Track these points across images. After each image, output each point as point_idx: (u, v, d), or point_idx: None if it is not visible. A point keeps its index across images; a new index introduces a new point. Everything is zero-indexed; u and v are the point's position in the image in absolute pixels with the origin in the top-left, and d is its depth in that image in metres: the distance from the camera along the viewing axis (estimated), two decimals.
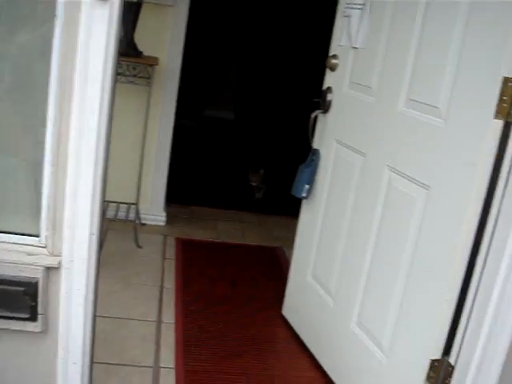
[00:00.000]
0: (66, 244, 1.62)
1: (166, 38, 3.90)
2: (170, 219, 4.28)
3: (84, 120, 1.51)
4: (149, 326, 2.94)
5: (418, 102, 2.19)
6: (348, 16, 2.68)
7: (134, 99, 3.85)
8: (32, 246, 1.64)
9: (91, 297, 1.68)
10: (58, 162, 1.56)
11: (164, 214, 4.23)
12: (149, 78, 3.74)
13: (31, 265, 1.61)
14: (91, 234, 1.62)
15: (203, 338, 2.91)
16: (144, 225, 4.14)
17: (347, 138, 2.66)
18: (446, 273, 2.02)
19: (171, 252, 3.81)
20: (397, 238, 2.27)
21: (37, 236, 1.65)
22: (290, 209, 4.57)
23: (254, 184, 5.02)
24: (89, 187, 1.56)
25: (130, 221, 3.95)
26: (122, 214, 3.98)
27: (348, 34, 2.67)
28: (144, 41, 3.68)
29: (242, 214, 4.70)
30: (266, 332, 3.07)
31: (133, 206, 3.99)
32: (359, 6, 2.60)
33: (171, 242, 3.97)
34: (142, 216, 4.10)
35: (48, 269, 1.62)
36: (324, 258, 2.81)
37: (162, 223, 4.22)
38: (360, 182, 2.54)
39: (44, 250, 1.64)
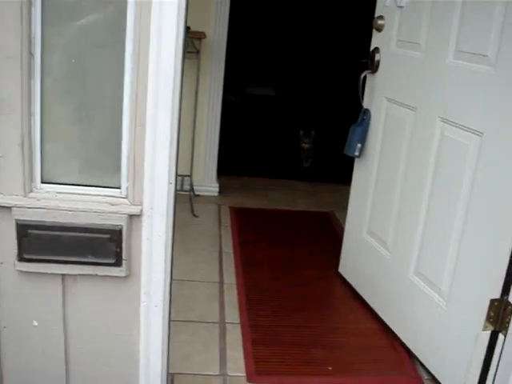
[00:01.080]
0: (146, 193, 1.75)
1: (212, 12, 4.01)
2: (223, 190, 4.42)
3: (160, 72, 1.63)
4: (212, 286, 3.08)
5: (466, 52, 2.26)
6: None
7: (184, 73, 3.96)
8: (115, 196, 1.77)
9: (170, 243, 1.81)
10: (136, 119, 1.69)
11: (217, 184, 4.37)
12: (197, 53, 3.87)
13: (115, 213, 1.74)
14: (169, 183, 1.74)
15: (264, 296, 3.04)
16: (198, 195, 4.28)
17: (397, 95, 2.74)
18: (502, 213, 2.09)
19: (226, 220, 3.96)
20: (452, 185, 2.35)
21: (118, 188, 1.78)
22: (339, 176, 4.68)
23: (305, 146, 5.12)
24: (166, 138, 1.69)
25: (185, 192, 4.09)
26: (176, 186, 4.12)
27: None
28: (190, 16, 3.78)
29: (292, 183, 4.82)
30: (325, 289, 3.18)
31: (187, 178, 4.14)
32: None
33: (225, 210, 4.12)
34: (195, 187, 4.25)
35: (130, 216, 1.76)
36: (379, 214, 2.90)
37: (215, 193, 4.36)
38: (412, 135, 2.62)
39: (125, 200, 1.77)
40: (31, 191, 1.76)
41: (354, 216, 3.15)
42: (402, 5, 2.69)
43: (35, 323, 1.86)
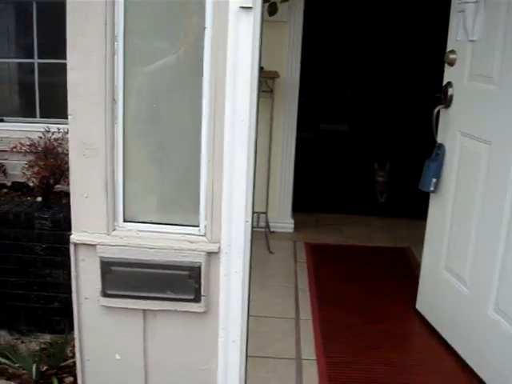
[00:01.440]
0: (223, 231, 1.80)
1: (284, 52, 4.10)
2: (298, 226, 4.45)
3: (236, 116, 1.70)
4: (288, 322, 3.10)
5: None
6: (463, 11, 2.75)
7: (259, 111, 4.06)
8: (193, 234, 1.83)
9: (247, 279, 1.85)
10: (214, 158, 1.75)
11: (292, 221, 4.41)
12: (271, 92, 3.95)
13: (194, 251, 1.80)
14: (246, 221, 1.80)
15: (340, 332, 3.03)
16: (273, 232, 4.32)
17: (471, 129, 2.72)
18: None
19: (301, 256, 3.98)
20: None
21: (197, 226, 1.84)
22: (414, 211, 4.64)
23: (380, 179, 5.12)
24: (242, 176, 1.74)
25: (261, 228, 4.14)
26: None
27: (464, 28, 2.74)
28: (263, 56, 3.88)
29: (366, 218, 4.81)
30: (401, 326, 3.14)
31: (262, 215, 4.20)
32: (474, 0, 2.67)
33: (300, 246, 4.14)
34: (271, 224, 4.29)
35: (209, 254, 1.81)
36: (456, 249, 2.87)
37: (290, 230, 4.40)
38: (487, 170, 2.59)
39: (204, 238, 1.83)
40: (114, 229, 1.84)
41: (430, 252, 3.12)
42: (473, 39, 2.69)
43: (117, 357, 1.93)
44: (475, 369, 2.67)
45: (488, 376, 2.59)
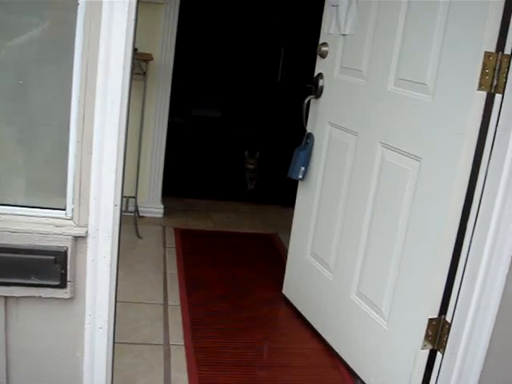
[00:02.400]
0: (91, 215, 1.75)
1: (159, 35, 4.03)
2: (167, 211, 4.42)
3: (107, 95, 1.65)
4: (156, 308, 3.07)
5: (406, 80, 2.34)
6: (336, 5, 2.82)
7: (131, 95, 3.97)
8: (60, 218, 1.77)
9: (115, 264, 1.81)
10: (83, 139, 1.69)
11: (161, 206, 4.37)
12: (144, 75, 3.87)
13: (60, 235, 1.73)
14: (115, 205, 1.75)
15: (208, 317, 3.04)
16: (143, 217, 4.27)
17: (339, 120, 2.80)
18: (440, 236, 2.17)
19: (171, 241, 3.96)
20: (392, 209, 2.41)
21: (64, 209, 1.77)
22: (283, 198, 4.74)
23: (250, 167, 5.20)
24: (112, 161, 1.69)
25: (130, 213, 4.07)
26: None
27: (337, 22, 2.82)
28: (137, 37, 3.79)
29: (236, 205, 4.86)
30: (268, 310, 3.21)
31: (132, 200, 4.12)
32: None
33: (170, 232, 4.12)
34: (140, 209, 4.24)
35: (76, 238, 1.75)
36: (322, 236, 2.95)
37: (160, 215, 4.37)
38: (354, 159, 2.68)
39: (71, 222, 1.76)
40: None
41: (297, 238, 3.20)
42: (345, 33, 2.77)
43: None
44: (338, 351, 2.78)
45: (350, 357, 2.70)
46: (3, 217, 1.74)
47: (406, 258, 2.33)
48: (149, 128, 4.15)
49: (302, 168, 3.02)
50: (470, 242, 2.10)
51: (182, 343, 2.78)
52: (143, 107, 3.95)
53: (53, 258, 1.74)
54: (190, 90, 7.05)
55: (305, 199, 3.10)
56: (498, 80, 1.98)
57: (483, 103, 2.03)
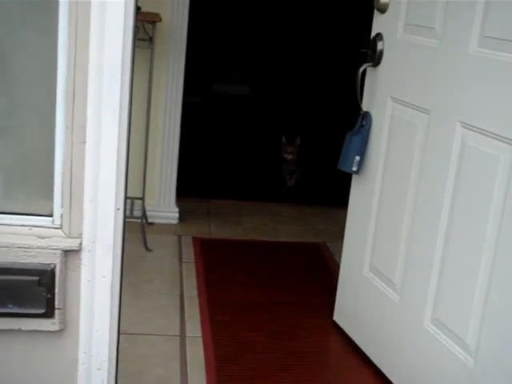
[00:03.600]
0: (86, 222, 1.73)
1: None
2: (184, 216, 4.42)
3: (103, 68, 1.63)
4: (171, 341, 3.06)
5: (495, 38, 2.28)
6: None
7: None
8: (45, 227, 1.75)
9: (118, 285, 1.79)
10: (74, 125, 1.68)
11: (176, 209, 4.36)
12: (150, 41, 3.86)
13: (45, 248, 1.72)
14: (117, 209, 1.74)
15: (240, 353, 3.02)
16: (152, 224, 4.27)
17: (405, 94, 2.75)
18: None
19: (189, 254, 3.95)
20: (477, 211, 2.36)
21: (50, 216, 1.76)
22: (331, 197, 4.70)
23: (289, 157, 5.16)
24: (112, 152, 1.68)
25: (136, 219, 4.07)
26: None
27: None
28: None
29: (272, 206, 4.84)
30: (316, 342, 3.17)
31: (137, 202, 4.12)
32: None
33: (188, 242, 4.11)
34: (149, 213, 4.23)
35: (66, 252, 1.74)
36: (384, 246, 2.91)
37: (175, 221, 4.36)
38: (424, 145, 2.63)
39: (59, 231, 1.75)
40: None
41: (351, 249, 3.16)
42: None
43: None
44: None
45: None
46: None
47: (497, 278, 2.26)
48: (158, 110, 4.13)
49: (357, 158, 2.98)
50: None
51: None
52: (150, 83, 3.94)
53: (36, 278, 1.73)
54: (210, 61, 7.05)
55: (361, 198, 3.06)
56: None
57: None
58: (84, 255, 1.76)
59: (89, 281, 1.78)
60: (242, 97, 7.26)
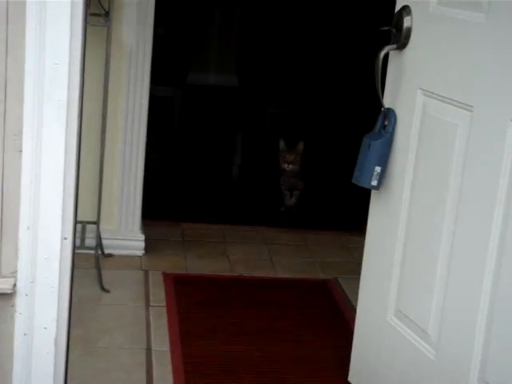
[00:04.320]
0: (23, 257, 1.71)
1: None
2: (152, 245, 4.43)
3: (44, 51, 1.61)
4: None
5: None
6: None
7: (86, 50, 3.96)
8: None
9: (65, 339, 1.78)
10: (6, 126, 1.66)
11: (141, 236, 4.37)
12: (106, 16, 3.85)
13: None
14: (63, 238, 1.72)
15: None
16: (110, 256, 4.27)
17: (441, 86, 2.74)
18: None
19: (159, 296, 3.94)
20: None
21: None
22: (343, 219, 4.70)
23: (289, 168, 5.14)
24: (57, 164, 1.66)
25: (88, 250, 4.05)
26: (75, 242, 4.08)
27: None
28: None
29: (267, 232, 4.85)
30: None
31: (91, 227, 4.11)
32: None
33: (157, 280, 4.10)
34: (106, 242, 4.23)
35: None
36: (413, 284, 2.90)
37: (140, 252, 4.37)
38: (466, 152, 2.62)
39: None
40: None
41: (370, 288, 3.15)
42: None
43: None
44: None
45: None
46: None
47: None
48: (118, 106, 4.15)
49: (377, 169, 2.96)
50: None
51: None
52: (107, 72, 3.93)
53: None
54: (186, 43, 7.06)
55: (383, 221, 3.06)
56: None
57: None
58: (19, 300, 1.75)
59: (25, 334, 1.76)
60: (227, 89, 7.27)
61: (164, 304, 3.85)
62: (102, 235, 4.17)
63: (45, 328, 1.77)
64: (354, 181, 3.01)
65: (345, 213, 4.60)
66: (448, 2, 2.72)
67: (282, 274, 4.32)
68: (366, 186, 3.00)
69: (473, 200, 2.61)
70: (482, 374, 2.58)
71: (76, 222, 1.76)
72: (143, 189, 4.31)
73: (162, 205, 4.82)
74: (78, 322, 3.50)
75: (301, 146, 5.16)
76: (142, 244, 4.37)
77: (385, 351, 3.05)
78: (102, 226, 4.15)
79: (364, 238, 3.20)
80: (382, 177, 2.99)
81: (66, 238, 1.71)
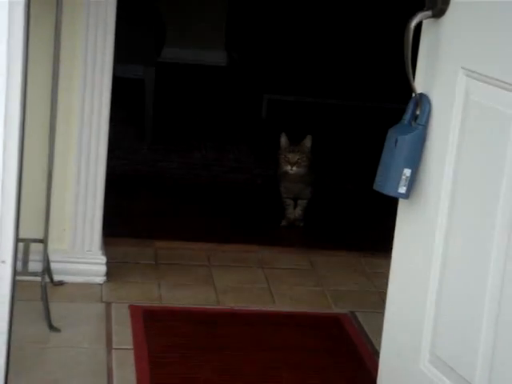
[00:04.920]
0: None
1: None
2: (116, 270, 4.42)
3: None
4: None
5: None
6: None
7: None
8: None
9: None
10: None
11: (102, 259, 4.35)
12: None
13: None
14: (1, 261, 1.75)
15: None
16: (61, 284, 4.26)
17: (489, 65, 2.72)
18: None
19: (124, 336, 3.91)
20: None
21: None
22: (361, 237, 4.68)
23: (292, 170, 5.12)
24: None
25: (33, 276, 4.01)
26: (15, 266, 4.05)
27: None
28: None
29: (264, 253, 4.85)
30: None
31: (36, 247, 4.08)
32: None
33: (122, 315, 4.08)
34: (56, 266, 4.21)
35: None
36: (454, 322, 2.88)
37: (100, 278, 4.35)
38: None
39: None
40: None
41: (397, 326, 3.14)
42: None
43: None
44: None
45: None
46: None
47: None
48: (72, 93, 4.15)
49: (407, 171, 2.95)
50: None
51: None
52: (57, 57, 3.90)
53: None
54: (159, 9, 7.06)
55: (414, 239, 3.04)
56: None
57: None
58: None
59: None
60: (214, 69, 7.29)
61: (131, 346, 3.81)
62: (51, 257, 4.15)
63: None
64: (376, 187, 3.01)
65: (363, 229, 4.56)
66: None
67: (282, 306, 4.30)
68: (391, 193, 2.99)
69: None
70: None
71: (17, 241, 1.72)
72: (104, 198, 4.29)
73: (129, 218, 4.76)
74: (20, 372, 3.48)
75: (308, 143, 5.13)
76: (103, 268, 4.35)
77: None
78: (51, 246, 4.13)
79: (389, 261, 3.20)
80: (412, 182, 2.98)
81: (3, 261, 1.68)
